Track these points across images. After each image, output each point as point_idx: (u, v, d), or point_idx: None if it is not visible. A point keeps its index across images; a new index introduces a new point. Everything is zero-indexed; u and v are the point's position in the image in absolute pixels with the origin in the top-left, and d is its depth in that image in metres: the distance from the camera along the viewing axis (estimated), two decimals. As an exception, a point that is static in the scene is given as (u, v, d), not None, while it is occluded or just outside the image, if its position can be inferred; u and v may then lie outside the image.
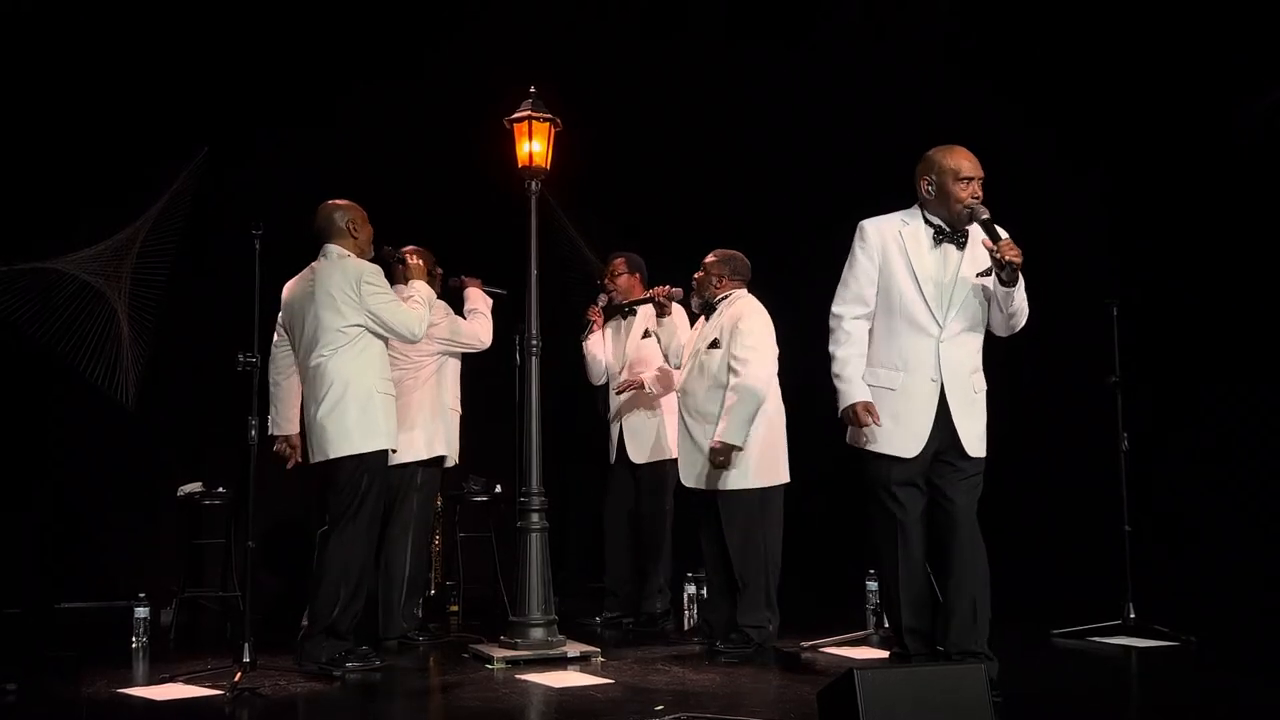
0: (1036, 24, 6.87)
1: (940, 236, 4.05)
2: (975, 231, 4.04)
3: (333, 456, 4.85)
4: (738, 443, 5.10)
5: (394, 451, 5.05)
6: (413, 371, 5.50)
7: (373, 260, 5.13)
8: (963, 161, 4.03)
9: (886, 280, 4.07)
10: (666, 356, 5.70)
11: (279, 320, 5.13)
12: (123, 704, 4.36)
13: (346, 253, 5.02)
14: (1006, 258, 3.86)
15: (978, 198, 4.00)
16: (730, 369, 5.18)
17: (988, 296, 4.05)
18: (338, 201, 5.10)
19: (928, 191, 4.08)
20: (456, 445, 5.73)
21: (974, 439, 4.04)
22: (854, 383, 4.07)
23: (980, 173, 4.04)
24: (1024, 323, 4.08)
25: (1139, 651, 5.19)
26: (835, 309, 4.15)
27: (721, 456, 5.10)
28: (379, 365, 4.98)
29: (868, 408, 4.04)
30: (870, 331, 4.13)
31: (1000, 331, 4.09)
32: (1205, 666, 4.95)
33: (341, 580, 4.79)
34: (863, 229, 4.14)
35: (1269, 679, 4.62)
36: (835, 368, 4.11)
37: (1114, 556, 5.58)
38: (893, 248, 4.07)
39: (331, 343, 4.88)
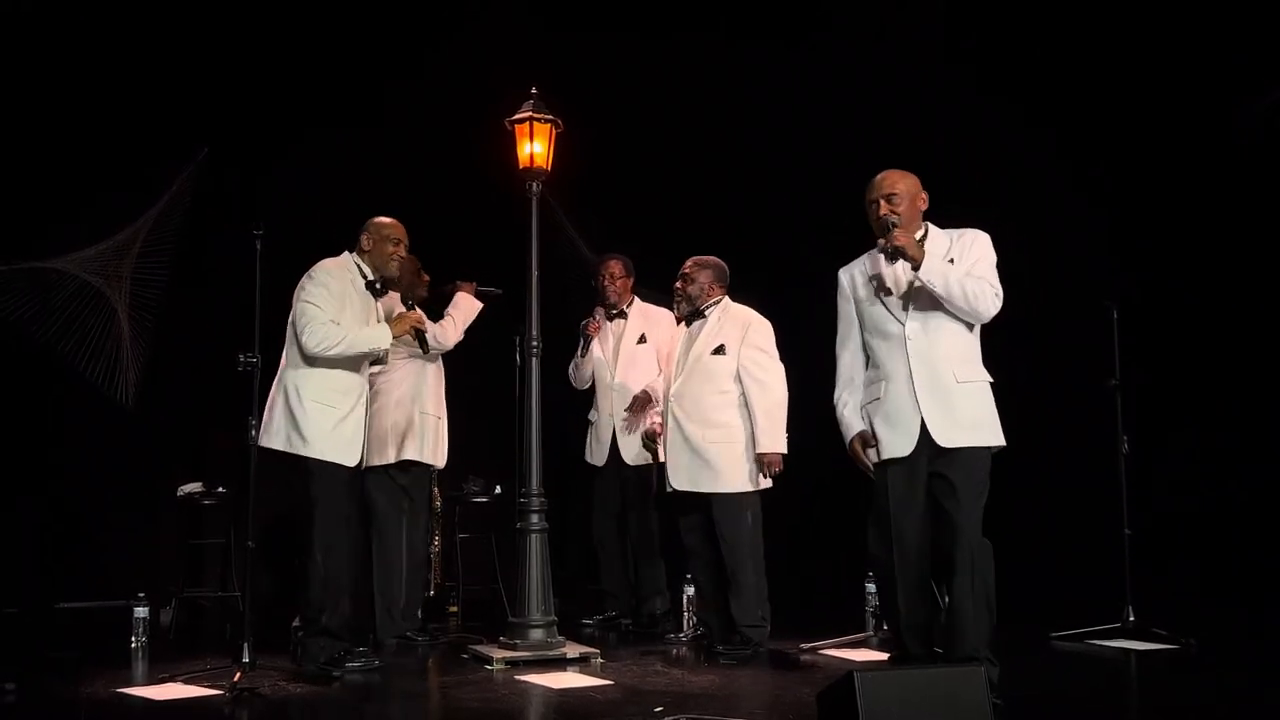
0: (1036, 24, 6.86)
1: (891, 257, 4.15)
2: (934, 243, 4.13)
3: (263, 444, 4.82)
4: (785, 449, 5.29)
5: (348, 464, 4.98)
6: (387, 374, 5.51)
7: (391, 278, 5.16)
8: (870, 187, 4.22)
9: (861, 311, 4.29)
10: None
11: None
12: (122, 704, 4.36)
13: (355, 260, 5.06)
14: (890, 245, 4.03)
15: (884, 214, 4.13)
16: (752, 378, 5.29)
17: None
18: (379, 218, 5.13)
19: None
20: (442, 449, 5.74)
21: (944, 427, 4.03)
22: (847, 423, 4.28)
23: (886, 190, 4.15)
24: (985, 307, 4.03)
25: (1138, 654, 5.19)
26: (836, 350, 4.39)
27: (778, 467, 5.26)
28: (315, 374, 4.87)
29: (864, 439, 4.19)
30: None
31: (964, 317, 4.10)
32: (1205, 669, 4.95)
33: (326, 581, 4.79)
34: (837, 277, 4.40)
35: (1268, 682, 4.62)
36: (836, 410, 4.34)
37: (1113, 559, 5.58)
38: (860, 280, 4.30)
39: (288, 334, 4.92)
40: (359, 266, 5.07)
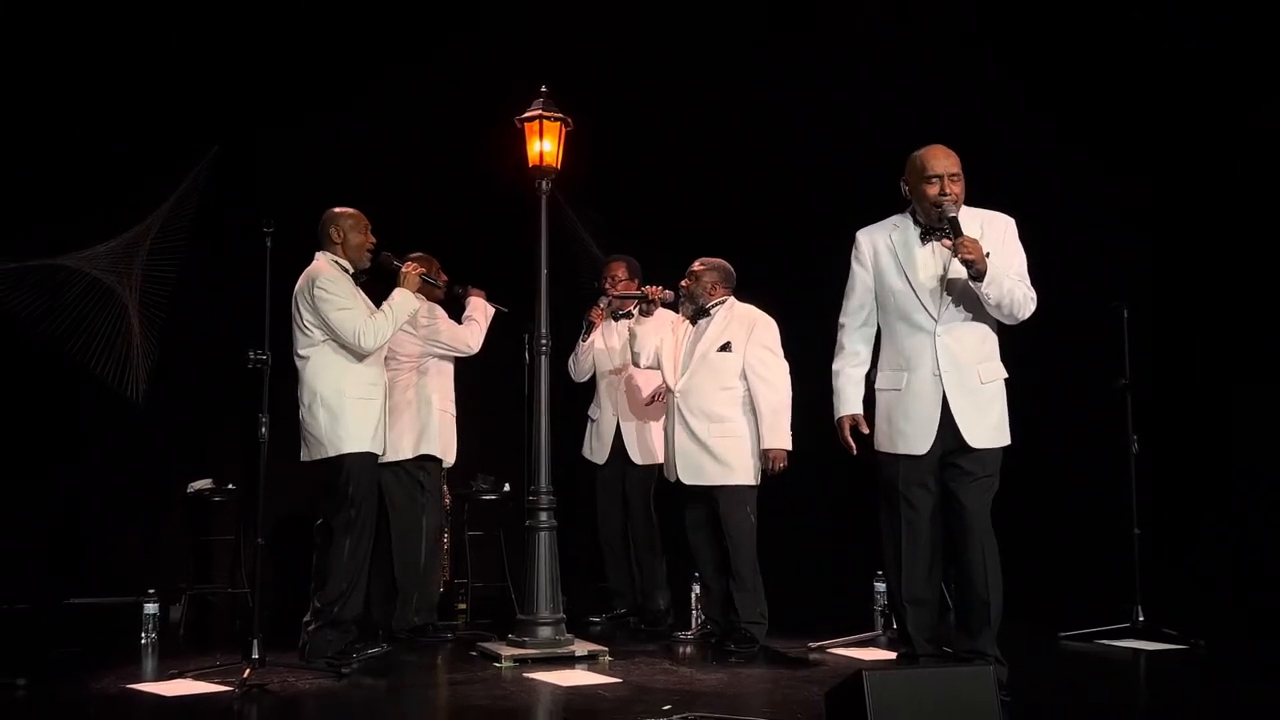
0: (1046, 22, 6.84)
1: (927, 236, 4.07)
2: (965, 224, 3.99)
3: (310, 458, 4.95)
4: (790, 445, 5.27)
5: (380, 454, 5.09)
6: (399, 373, 5.52)
7: (370, 267, 5.16)
8: (930, 160, 4.03)
9: (881, 285, 4.16)
10: (636, 355, 5.71)
11: None
12: (131, 700, 4.37)
13: (331, 258, 5.06)
14: (960, 257, 3.91)
15: (947, 194, 3.98)
16: (758, 375, 5.29)
17: None
18: (336, 209, 5.14)
19: (906, 193, 4.14)
20: (452, 445, 5.74)
21: (978, 430, 4.02)
22: (843, 396, 4.22)
23: (952, 169, 4.01)
24: (1026, 313, 4.03)
25: (1147, 655, 5.18)
26: (840, 319, 4.28)
27: (783, 463, 5.25)
28: (351, 370, 4.96)
29: (855, 420, 4.16)
30: (879, 336, 4.22)
31: (1003, 320, 4.08)
32: (1213, 670, 4.94)
33: (341, 575, 4.83)
34: (856, 239, 4.25)
35: (1277, 683, 4.60)
36: (832, 380, 4.27)
37: (1123, 559, 5.56)
38: (884, 253, 4.15)
39: (301, 344, 4.96)
40: (337, 263, 5.06)
